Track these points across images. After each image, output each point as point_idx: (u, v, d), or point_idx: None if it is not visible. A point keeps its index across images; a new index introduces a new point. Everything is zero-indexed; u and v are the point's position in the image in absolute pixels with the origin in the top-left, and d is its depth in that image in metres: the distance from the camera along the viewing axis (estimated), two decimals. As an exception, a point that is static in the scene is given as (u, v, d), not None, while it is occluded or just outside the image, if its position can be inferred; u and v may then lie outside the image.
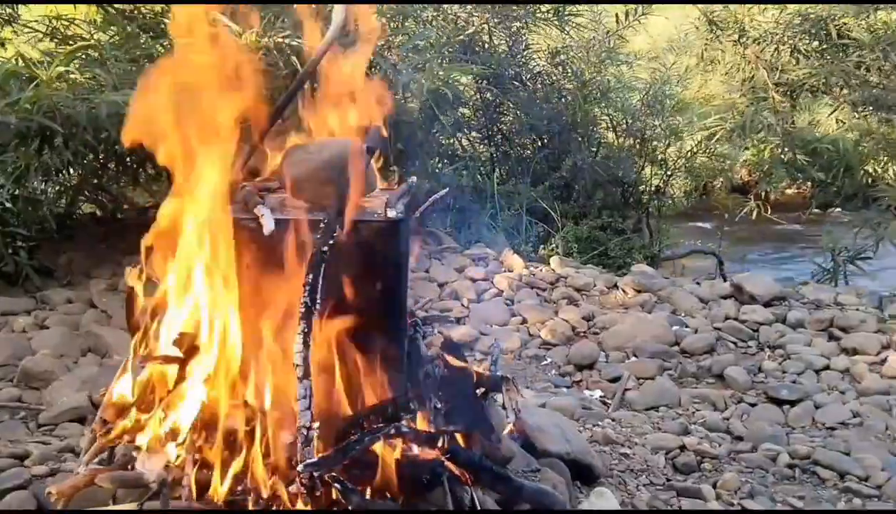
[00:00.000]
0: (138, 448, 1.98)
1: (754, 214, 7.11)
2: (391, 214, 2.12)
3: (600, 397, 3.71)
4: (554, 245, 6.17)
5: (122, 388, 2.15)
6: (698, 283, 5.25)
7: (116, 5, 5.02)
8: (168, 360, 2.05)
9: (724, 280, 6.03)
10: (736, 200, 10.56)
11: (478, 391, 2.38)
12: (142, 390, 2.12)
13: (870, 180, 8.27)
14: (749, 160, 9.83)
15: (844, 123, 7.34)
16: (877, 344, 4.00)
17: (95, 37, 4.85)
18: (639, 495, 2.69)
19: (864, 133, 7.38)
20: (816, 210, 10.52)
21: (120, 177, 5.53)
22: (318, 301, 1.96)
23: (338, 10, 2.34)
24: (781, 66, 6.71)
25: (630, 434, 3.22)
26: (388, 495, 1.92)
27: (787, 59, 6.78)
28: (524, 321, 4.53)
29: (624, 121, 7.78)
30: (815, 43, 6.49)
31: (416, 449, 1.99)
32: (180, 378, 2.07)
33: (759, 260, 8.99)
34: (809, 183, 10.83)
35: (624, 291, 4.91)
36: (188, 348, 2.04)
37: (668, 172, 8.10)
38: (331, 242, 2.00)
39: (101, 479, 1.96)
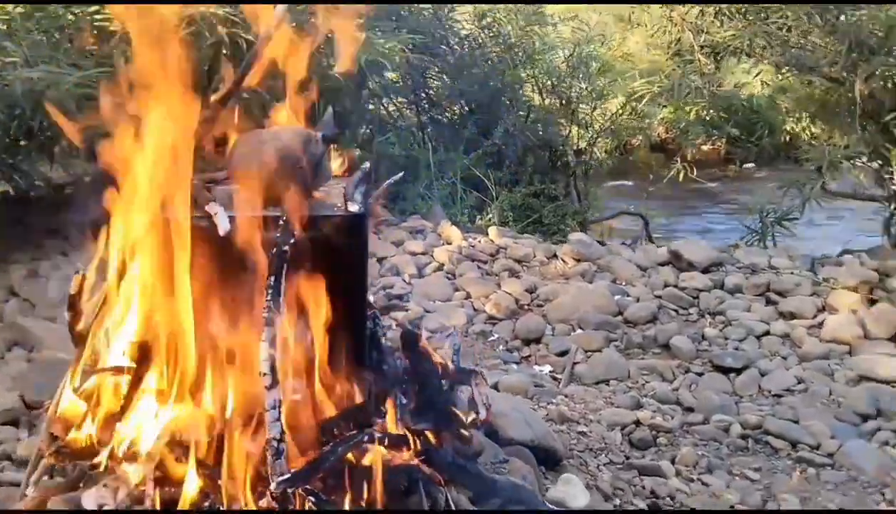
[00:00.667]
0: (95, 468, 1.86)
1: (681, 176, 7.19)
2: (353, 207, 2.02)
3: (550, 372, 3.70)
4: (490, 215, 6.12)
5: (69, 400, 2.02)
6: (629, 245, 5.32)
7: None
8: (118, 370, 1.92)
9: (650, 241, 6.14)
10: (658, 160, 10.74)
11: (443, 384, 2.32)
12: (91, 403, 1.99)
13: (790, 138, 8.49)
14: (666, 118, 9.98)
15: (769, 85, 7.46)
16: (812, 308, 4.10)
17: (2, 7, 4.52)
18: (601, 475, 2.69)
19: (784, 92, 7.52)
20: (735, 167, 10.80)
21: (33, 154, 5.23)
22: (282, 304, 1.87)
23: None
24: (706, 27, 6.74)
25: (584, 411, 3.23)
26: (365, 504, 1.85)
27: (711, 20, 6.82)
28: (468, 296, 4.48)
29: (550, 83, 7.76)
30: (739, 4, 6.53)
31: (389, 454, 1.92)
32: (133, 390, 1.95)
33: (685, 219, 9.20)
34: (724, 140, 11.10)
35: (563, 260, 4.91)
36: (140, 356, 1.92)
37: (594, 135, 8.14)
38: (291, 240, 1.91)
39: (55, 503, 1.83)
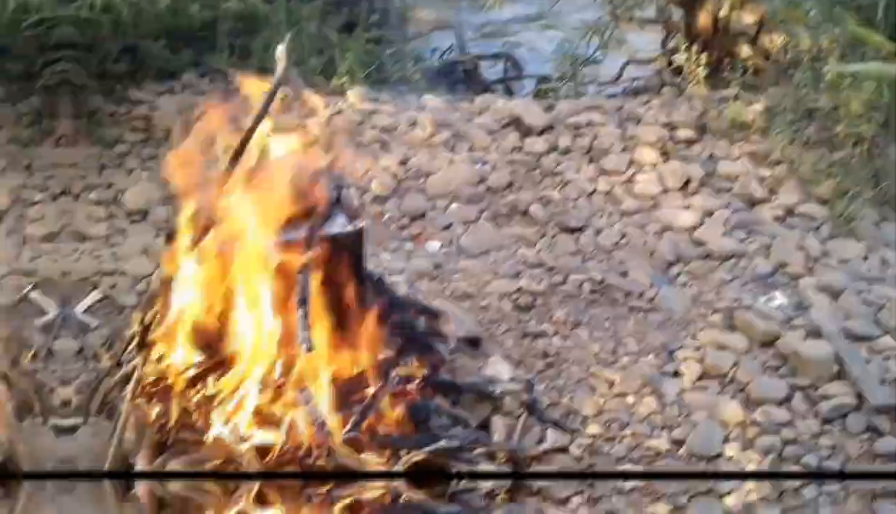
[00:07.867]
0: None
1: None
2: (359, 224, 2.89)
3: (441, 247, 4.68)
4: (343, 71, 6.58)
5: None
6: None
7: None
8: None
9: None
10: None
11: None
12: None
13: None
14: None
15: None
16: (625, 164, 5.26)
17: None
18: (507, 344, 3.82)
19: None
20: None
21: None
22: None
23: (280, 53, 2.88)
24: None
25: (478, 284, 4.27)
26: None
27: None
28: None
29: None
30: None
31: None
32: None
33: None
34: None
35: (424, 127, 5.70)
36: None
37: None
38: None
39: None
